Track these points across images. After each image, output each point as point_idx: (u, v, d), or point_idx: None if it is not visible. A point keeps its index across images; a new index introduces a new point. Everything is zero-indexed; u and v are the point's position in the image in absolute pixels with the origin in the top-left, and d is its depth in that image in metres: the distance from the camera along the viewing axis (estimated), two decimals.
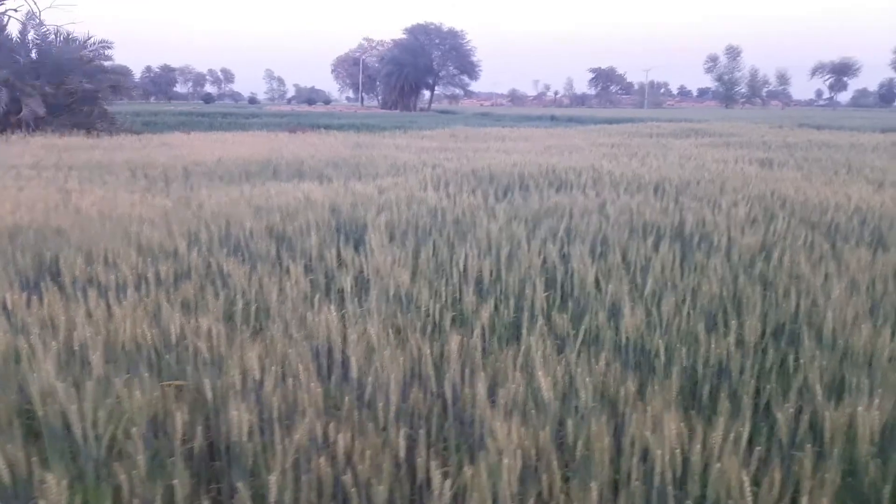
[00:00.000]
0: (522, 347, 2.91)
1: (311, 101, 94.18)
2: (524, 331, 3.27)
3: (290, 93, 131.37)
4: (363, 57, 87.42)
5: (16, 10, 31.39)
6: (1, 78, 19.34)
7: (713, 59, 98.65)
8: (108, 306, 3.26)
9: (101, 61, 22.81)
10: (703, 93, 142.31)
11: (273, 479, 1.92)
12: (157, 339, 3.02)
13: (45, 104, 19.55)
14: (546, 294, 3.74)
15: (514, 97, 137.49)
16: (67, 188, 7.37)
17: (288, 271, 4.03)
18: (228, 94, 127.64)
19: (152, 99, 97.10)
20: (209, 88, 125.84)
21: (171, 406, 2.38)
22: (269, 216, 5.68)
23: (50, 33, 22.07)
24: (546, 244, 4.79)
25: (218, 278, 4.15)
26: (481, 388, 2.40)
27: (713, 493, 2.01)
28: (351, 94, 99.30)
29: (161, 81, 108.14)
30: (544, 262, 4.48)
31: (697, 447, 2.07)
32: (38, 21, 22.07)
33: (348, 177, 9.06)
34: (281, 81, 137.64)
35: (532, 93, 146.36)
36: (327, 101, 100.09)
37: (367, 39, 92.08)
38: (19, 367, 2.75)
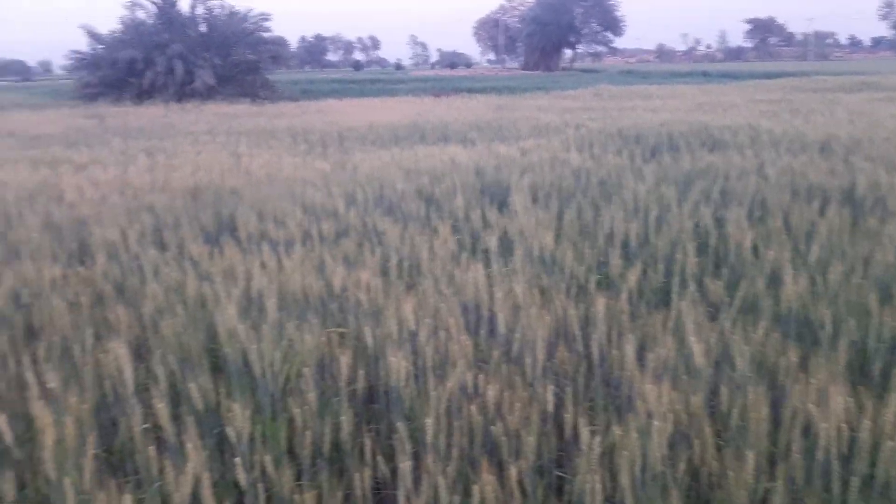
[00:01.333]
0: (673, 312, 2.85)
1: (453, 65, 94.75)
2: (674, 296, 3.19)
3: (433, 57, 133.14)
4: (503, 18, 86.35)
5: None
6: (176, 51, 21.19)
7: (889, 5, 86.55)
8: (279, 259, 3.57)
9: (262, 33, 24.30)
10: (877, 42, 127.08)
11: (429, 422, 2.05)
12: (322, 290, 3.27)
13: (214, 75, 21.22)
14: (698, 259, 3.61)
15: (662, 53, 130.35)
16: (238, 152, 8.04)
17: (436, 231, 4.18)
18: (375, 61, 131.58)
19: (306, 67, 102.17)
20: (357, 55, 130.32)
21: (335, 351, 2.59)
22: (417, 178, 5.88)
23: (216, 7, 23.80)
24: (698, 207, 4.60)
25: (374, 236, 4.39)
26: (630, 351, 2.39)
27: (883, 472, 1.90)
28: (492, 56, 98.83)
29: (314, 50, 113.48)
30: (696, 225, 4.31)
31: (867, 423, 1.95)
32: None
33: (491, 139, 9.13)
34: (424, 46, 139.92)
35: (681, 48, 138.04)
36: (469, 65, 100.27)
37: None
38: (205, 311, 3.10)
